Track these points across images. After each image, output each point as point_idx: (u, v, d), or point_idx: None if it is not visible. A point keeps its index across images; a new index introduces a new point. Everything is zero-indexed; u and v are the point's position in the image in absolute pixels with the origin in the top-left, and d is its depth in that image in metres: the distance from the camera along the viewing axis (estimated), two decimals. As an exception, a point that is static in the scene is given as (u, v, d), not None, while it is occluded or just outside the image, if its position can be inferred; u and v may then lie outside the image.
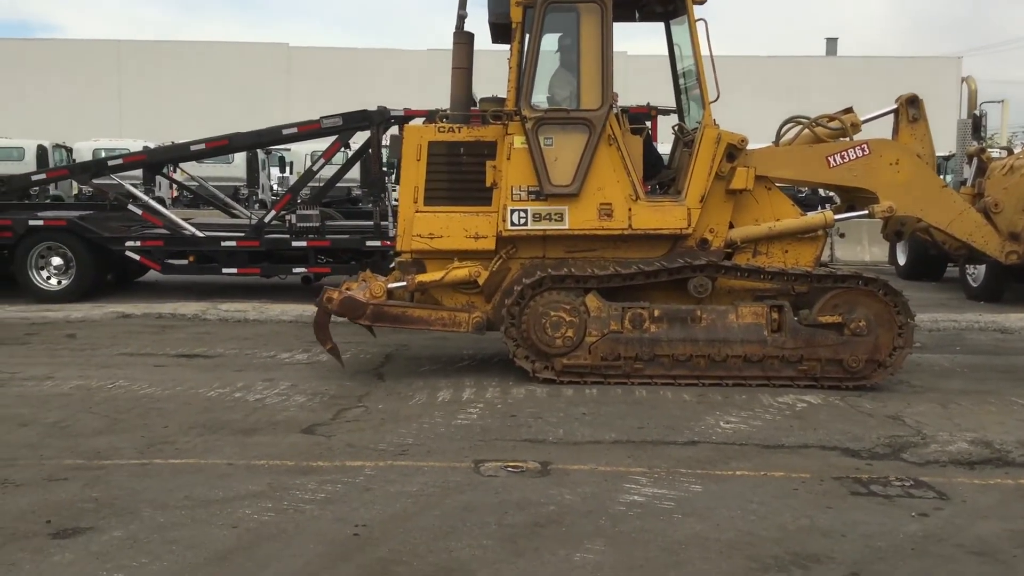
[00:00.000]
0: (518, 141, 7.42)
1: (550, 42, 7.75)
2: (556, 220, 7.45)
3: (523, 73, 7.42)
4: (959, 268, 13.52)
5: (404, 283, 7.63)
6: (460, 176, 7.62)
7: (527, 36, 7.44)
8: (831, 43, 56.29)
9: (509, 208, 7.45)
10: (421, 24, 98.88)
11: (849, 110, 8.20)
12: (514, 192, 7.45)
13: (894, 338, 7.30)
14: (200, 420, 6.36)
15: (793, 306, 7.39)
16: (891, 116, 8.33)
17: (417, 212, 7.61)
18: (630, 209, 7.44)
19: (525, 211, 7.45)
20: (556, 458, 5.57)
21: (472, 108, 8.15)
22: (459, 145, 7.63)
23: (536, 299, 7.38)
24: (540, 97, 7.63)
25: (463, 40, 7.90)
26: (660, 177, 8.20)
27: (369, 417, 6.48)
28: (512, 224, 7.46)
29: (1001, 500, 4.99)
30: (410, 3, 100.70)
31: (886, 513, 4.74)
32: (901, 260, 15.52)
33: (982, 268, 12.71)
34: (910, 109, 8.06)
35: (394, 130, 11.94)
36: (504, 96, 7.77)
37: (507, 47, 7.82)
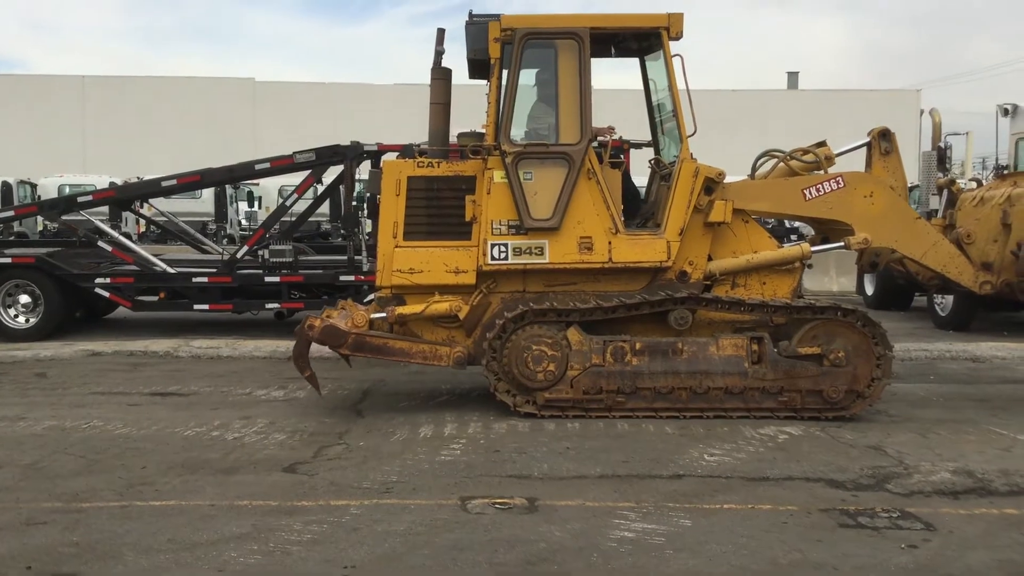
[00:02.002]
0: (498, 175, 7.44)
1: (528, 77, 7.80)
2: (536, 254, 7.46)
3: (502, 108, 7.46)
4: (927, 297, 13.68)
5: (384, 314, 7.58)
6: (440, 211, 7.62)
7: (505, 71, 7.48)
8: (792, 76, 57.08)
9: (489, 242, 7.45)
10: (389, 59, 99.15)
11: (823, 143, 8.31)
12: (494, 226, 7.45)
13: (872, 369, 7.36)
14: (179, 460, 6.26)
15: (772, 337, 7.43)
16: (863, 149, 8.46)
17: (397, 247, 7.59)
18: (610, 242, 7.47)
19: (505, 245, 7.46)
20: (543, 494, 5.53)
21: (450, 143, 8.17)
22: (438, 180, 7.63)
23: (518, 333, 7.37)
24: (519, 132, 7.67)
25: (441, 76, 7.93)
26: (643, 213, 8.24)
27: (351, 454, 6.41)
28: (492, 258, 7.46)
29: (987, 530, 5.01)
30: (377, 38, 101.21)
31: (875, 545, 4.74)
32: (869, 290, 15.66)
33: (950, 297, 12.86)
34: (882, 142, 8.19)
35: (367, 164, 11.97)
36: (482, 130, 7.79)
37: (484, 82, 7.87)
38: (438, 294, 7.58)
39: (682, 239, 7.54)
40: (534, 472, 5.98)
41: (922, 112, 48.92)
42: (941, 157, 11.43)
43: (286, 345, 10.75)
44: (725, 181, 7.66)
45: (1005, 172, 15.38)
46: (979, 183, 12.20)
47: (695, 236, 7.65)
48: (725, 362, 7.34)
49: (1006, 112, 15.07)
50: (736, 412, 7.34)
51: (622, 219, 7.59)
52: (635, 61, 8.60)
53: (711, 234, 7.71)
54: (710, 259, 7.76)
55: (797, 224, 25.29)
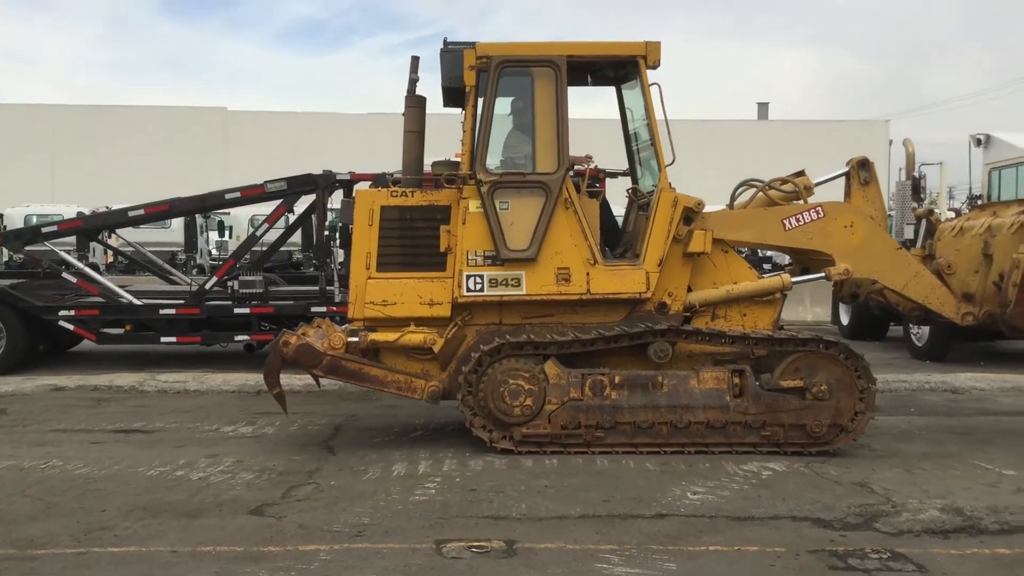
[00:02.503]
0: (473, 205, 7.28)
1: (504, 105, 7.66)
2: (513, 285, 7.29)
3: (478, 136, 7.31)
4: (903, 327, 13.64)
5: (357, 339, 7.38)
6: (413, 241, 7.44)
7: (481, 99, 7.34)
8: (763, 107, 57.62)
9: (465, 273, 7.27)
10: (362, 88, 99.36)
11: (801, 173, 8.22)
12: (469, 257, 7.28)
13: (856, 402, 7.22)
14: (140, 502, 5.99)
15: (753, 370, 7.28)
16: (841, 179, 8.38)
17: (369, 278, 7.39)
18: (588, 273, 7.31)
19: (481, 276, 7.28)
20: (521, 536, 5.32)
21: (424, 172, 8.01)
22: (412, 210, 7.45)
23: (494, 366, 7.17)
24: (495, 160, 7.52)
25: (415, 104, 7.78)
26: (623, 243, 8.10)
27: (321, 495, 6.17)
28: (468, 290, 7.28)
29: (979, 571, 4.86)
30: (350, 68, 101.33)
31: (868, 589, 4.57)
32: (844, 320, 15.62)
33: (926, 328, 12.81)
34: (861, 172, 8.11)
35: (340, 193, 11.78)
36: (457, 159, 7.64)
37: (459, 111, 7.72)
38: (413, 325, 7.38)
39: (661, 270, 7.39)
40: (512, 512, 5.77)
41: (891, 142, 49.52)
42: (915, 187, 11.44)
43: (256, 378, 10.51)
44: (704, 211, 7.53)
45: (979, 202, 15.50)
46: (958, 213, 12.21)
47: (674, 267, 7.50)
48: (706, 395, 7.18)
49: (979, 142, 15.20)
50: (718, 447, 7.17)
51: (600, 250, 7.44)
52: (608, 90, 8.49)
53: (691, 265, 7.57)
54: (690, 290, 7.62)
55: (770, 253, 25.38)
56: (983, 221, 8.81)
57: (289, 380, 10.38)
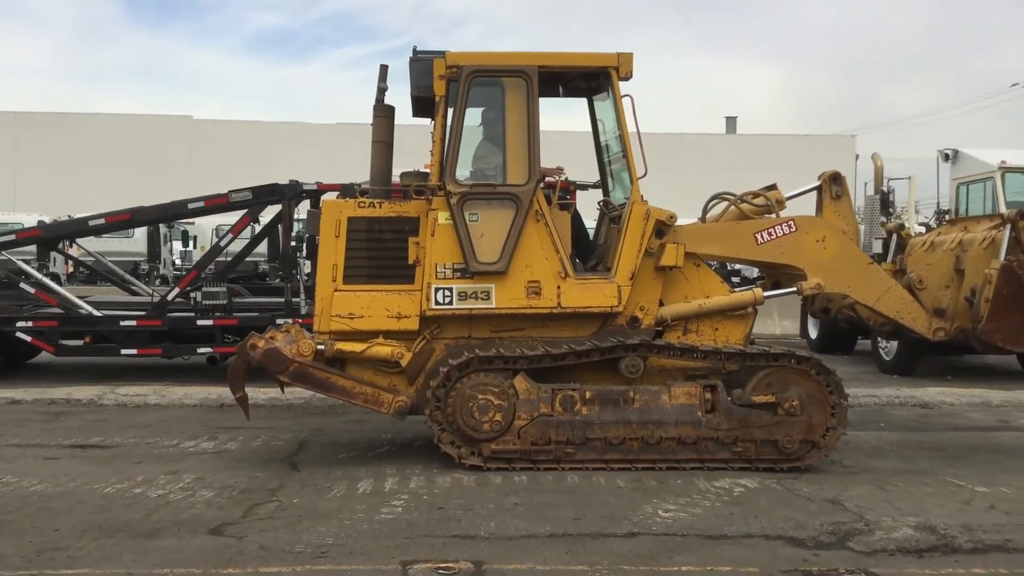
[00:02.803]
0: (442, 217, 7.14)
1: (474, 115, 7.54)
2: (483, 299, 7.15)
3: (447, 147, 7.18)
4: (871, 342, 13.65)
5: (324, 346, 7.21)
6: (381, 253, 7.28)
7: (451, 110, 7.22)
8: (731, 121, 58.02)
9: (433, 286, 7.13)
10: (328, 97, 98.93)
11: (773, 187, 8.16)
12: (438, 270, 7.14)
13: (827, 418, 7.15)
14: (96, 521, 5.78)
15: (724, 385, 7.19)
16: (813, 193, 8.34)
17: (336, 291, 7.23)
18: (559, 287, 7.19)
19: (450, 289, 7.14)
20: (490, 556, 5.17)
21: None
22: (380, 221, 7.30)
23: (463, 381, 7.03)
24: (464, 172, 7.39)
25: (383, 113, 7.64)
26: (595, 256, 7.99)
27: (284, 514, 5.98)
28: (436, 303, 7.14)
29: (956, 591, 4.78)
30: (317, 78, 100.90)
31: (844, 611, 4.47)
32: (812, 334, 15.62)
33: (894, 342, 12.83)
34: (833, 186, 8.07)
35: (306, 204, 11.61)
36: (426, 170, 7.51)
37: (428, 121, 7.60)
38: (381, 337, 7.23)
39: (633, 283, 7.29)
40: (480, 532, 5.62)
41: (857, 157, 49.94)
42: (884, 201, 11.44)
43: (218, 392, 10.31)
44: (676, 224, 7.45)
45: (947, 217, 15.58)
46: (928, 228, 12.24)
47: (646, 280, 7.41)
48: (678, 411, 7.08)
49: (947, 157, 15.28)
50: (689, 463, 7.07)
51: (571, 262, 7.33)
52: (578, 102, 8.42)
53: (663, 278, 7.47)
54: (661, 304, 7.52)
55: (739, 267, 25.41)
56: (954, 236, 8.80)
57: (253, 393, 10.18)
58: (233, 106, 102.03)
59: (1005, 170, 14.25)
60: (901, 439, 8.58)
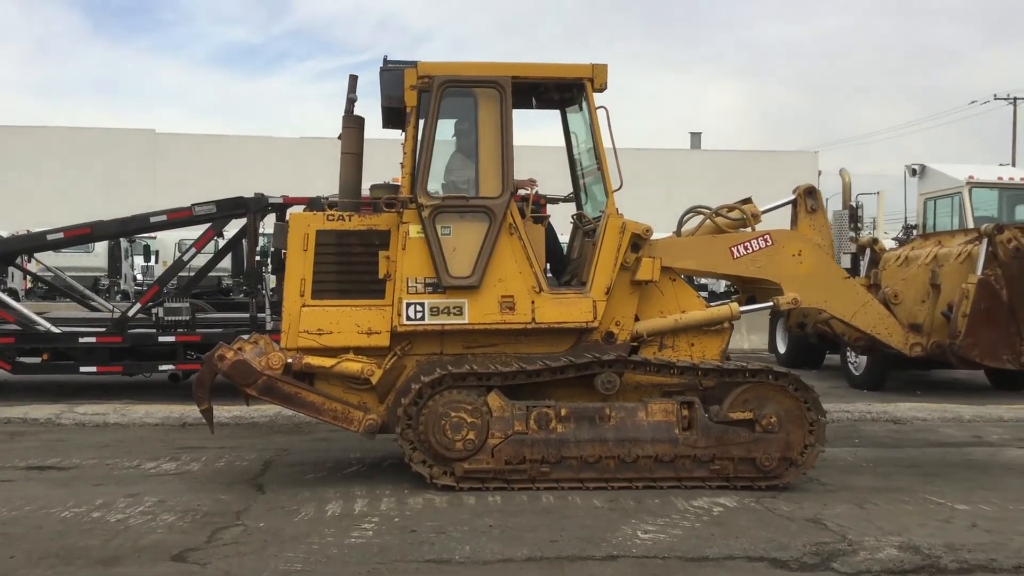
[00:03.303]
0: (414, 230, 6.97)
1: (447, 127, 7.39)
2: (455, 314, 6.98)
3: (419, 159, 7.01)
4: (840, 356, 13.63)
5: (291, 360, 7.00)
6: (350, 267, 7.09)
7: (422, 121, 7.06)
8: (695, 137, 58.39)
9: (404, 301, 6.95)
10: (294, 113, 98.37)
11: (748, 200, 8.07)
12: (410, 284, 6.96)
13: (805, 435, 7.05)
14: (52, 548, 5.51)
15: (701, 401, 7.06)
16: (787, 207, 8.27)
17: (304, 306, 7.02)
18: (533, 302, 7.04)
19: (422, 304, 6.96)
20: (465, 582, 4.99)
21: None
22: (349, 234, 7.11)
23: (435, 399, 6.85)
24: (436, 184, 7.23)
25: (353, 124, 7.47)
26: (569, 270, 7.85)
27: (249, 538, 5.75)
28: (408, 319, 6.96)
29: (944, 614, 4.67)
30: (283, 92, 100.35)
31: (833, 636, 4.34)
32: (781, 348, 15.58)
33: (863, 356, 12.80)
34: (808, 200, 8.00)
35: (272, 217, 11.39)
36: (396, 183, 7.35)
37: (399, 132, 7.44)
38: (352, 353, 7.03)
39: (608, 298, 7.16)
40: (455, 556, 5.43)
41: (820, 173, 50.45)
42: (853, 216, 11.42)
43: (180, 410, 10.06)
44: (652, 238, 7.33)
45: (915, 232, 15.64)
46: (901, 243, 12.23)
47: (622, 295, 7.27)
48: (655, 428, 6.94)
49: (914, 172, 15.34)
50: (666, 482, 6.93)
51: (546, 277, 7.18)
52: (549, 115, 8.29)
53: (638, 293, 7.34)
54: (637, 319, 7.39)
55: (705, 281, 25.39)
56: (929, 251, 8.75)
57: (218, 412, 9.92)
58: (197, 120, 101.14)
59: (973, 185, 14.33)
60: (876, 456, 8.49)
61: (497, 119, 7.04)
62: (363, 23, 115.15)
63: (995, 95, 44.85)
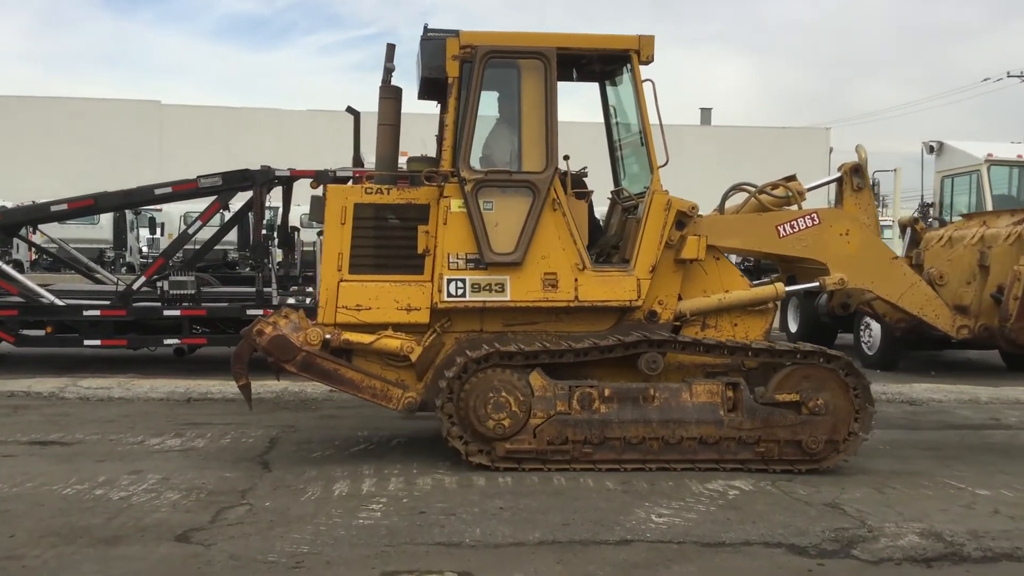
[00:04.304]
0: (455, 205, 6.79)
1: (489, 98, 7.18)
2: (497, 291, 6.81)
3: (461, 132, 6.81)
4: (853, 336, 13.45)
5: (330, 336, 6.85)
6: (389, 242, 6.92)
7: (464, 92, 6.84)
8: (705, 113, 57.87)
9: (446, 278, 6.78)
10: (300, 85, 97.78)
11: (792, 177, 7.86)
12: (451, 260, 6.79)
13: (851, 421, 6.87)
14: (54, 526, 5.39)
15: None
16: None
17: (342, 281, 6.86)
18: (576, 279, 6.87)
19: (463, 281, 6.79)
20: (476, 566, 4.85)
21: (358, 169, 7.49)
22: (388, 208, 6.92)
23: (478, 375, 6.69)
24: (476, 157, 7.02)
25: (390, 95, 7.28)
26: (600, 245, 7.65)
27: (255, 518, 5.62)
28: (449, 295, 6.79)
29: (970, 604, 4.52)
30: (290, 65, 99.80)
31: (856, 627, 4.19)
32: (793, 327, 15.39)
33: (877, 336, 12.63)
34: (854, 178, 7.74)
35: (290, 189, 11.21)
36: (432, 156, 7.20)
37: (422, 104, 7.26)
38: (391, 329, 6.89)
39: (652, 277, 6.99)
40: (465, 539, 5.29)
41: (832, 149, 50.03)
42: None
43: (185, 385, 9.95)
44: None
45: (930, 209, 15.40)
46: (942, 222, 12.01)
47: (666, 273, 7.08)
48: (699, 409, 6.77)
49: (931, 150, 15.07)
50: (706, 464, 6.79)
51: (588, 254, 7.01)
52: (567, 88, 8.08)
53: (682, 272, 7.17)
54: (680, 298, 7.22)
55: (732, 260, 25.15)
56: (975, 231, 8.49)
57: (222, 387, 9.84)
58: (203, 92, 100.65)
59: (992, 163, 14.05)
60: (894, 438, 8.33)
61: (541, 92, 6.84)
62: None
63: (1008, 72, 44.29)
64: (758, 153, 43.38)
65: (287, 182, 11.57)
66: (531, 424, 6.66)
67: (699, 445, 6.78)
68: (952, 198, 14.89)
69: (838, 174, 7.87)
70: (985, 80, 47.09)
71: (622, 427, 6.72)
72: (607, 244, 7.67)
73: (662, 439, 6.73)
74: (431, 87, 7.40)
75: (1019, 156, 14.66)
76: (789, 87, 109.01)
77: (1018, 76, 43.93)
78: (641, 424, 6.73)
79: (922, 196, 16.13)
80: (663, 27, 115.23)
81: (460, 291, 6.81)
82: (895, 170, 15.11)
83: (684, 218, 7.02)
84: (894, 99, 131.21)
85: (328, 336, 6.84)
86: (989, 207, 13.52)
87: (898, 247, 12.14)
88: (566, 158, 6.98)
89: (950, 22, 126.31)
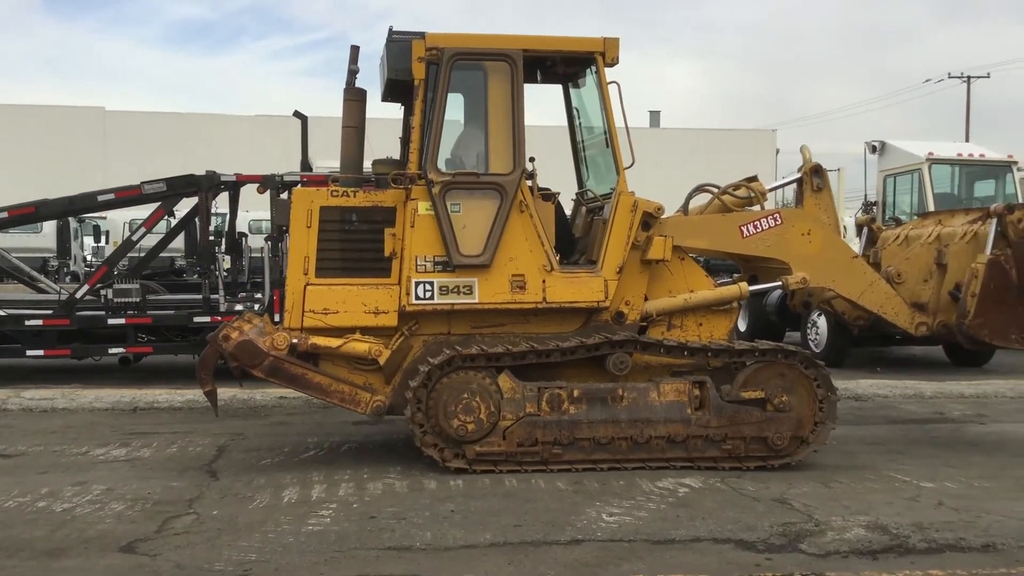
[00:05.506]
0: (423, 207, 6.76)
1: (455, 101, 7.19)
2: (465, 293, 6.80)
3: (428, 134, 6.79)
4: (800, 333, 13.62)
5: (297, 340, 6.78)
6: (356, 245, 6.89)
7: (431, 94, 6.82)
8: (654, 115, 58.28)
9: (413, 280, 6.76)
10: (250, 91, 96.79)
11: (754, 178, 7.97)
12: (419, 263, 6.77)
13: (815, 413, 6.97)
14: (-6, 540, 5.28)
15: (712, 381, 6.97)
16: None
17: (308, 284, 6.80)
18: (544, 281, 6.88)
19: (431, 283, 6.77)
20: (427, 569, 4.83)
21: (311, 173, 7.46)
22: (354, 211, 6.88)
23: (444, 380, 6.67)
24: (442, 160, 6.99)
25: (355, 97, 7.26)
26: (580, 248, 7.67)
27: (202, 527, 5.55)
28: (417, 298, 6.76)
29: (915, 595, 4.59)
30: (237, 71, 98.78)
31: (803, 620, 4.24)
32: (742, 326, 15.53)
33: (824, 333, 12.81)
34: (815, 178, 7.88)
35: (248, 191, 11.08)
36: (396, 159, 7.17)
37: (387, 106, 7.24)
38: (358, 333, 6.84)
39: (619, 277, 7.01)
40: (416, 543, 5.27)
41: (778, 151, 50.68)
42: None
43: (131, 394, 9.81)
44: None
45: (873, 208, 15.63)
46: (898, 222, 12.22)
47: (632, 274, 7.13)
48: (667, 409, 6.82)
49: (874, 149, 15.31)
50: (678, 462, 6.84)
51: (556, 256, 7.01)
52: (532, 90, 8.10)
53: (648, 272, 7.21)
54: (646, 299, 7.26)
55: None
56: (931, 230, 8.66)
57: (169, 396, 9.71)
58: (150, 98, 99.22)
59: (932, 161, 14.32)
60: (839, 433, 8.37)
61: (507, 93, 6.86)
62: (318, 0, 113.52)
63: (949, 74, 45.26)
64: (706, 155, 43.82)
65: (234, 187, 11.46)
66: (501, 426, 6.67)
67: (667, 444, 6.82)
68: (895, 197, 15.15)
69: (798, 175, 7.99)
70: (927, 81, 48.02)
71: (591, 427, 6.74)
72: (580, 247, 7.68)
73: (631, 438, 6.77)
74: (396, 89, 7.39)
75: (959, 155, 14.97)
76: (736, 89, 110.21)
77: (958, 77, 44.90)
78: (610, 424, 6.76)
79: (865, 195, 16.42)
80: (612, 29, 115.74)
81: (428, 294, 6.79)
82: (838, 170, 15.26)
83: (650, 219, 7.08)
84: (839, 100, 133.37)
85: (295, 340, 6.79)
86: (931, 206, 13.78)
87: (853, 246, 12.35)
88: (531, 160, 6.99)
89: (893, 24, 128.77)
